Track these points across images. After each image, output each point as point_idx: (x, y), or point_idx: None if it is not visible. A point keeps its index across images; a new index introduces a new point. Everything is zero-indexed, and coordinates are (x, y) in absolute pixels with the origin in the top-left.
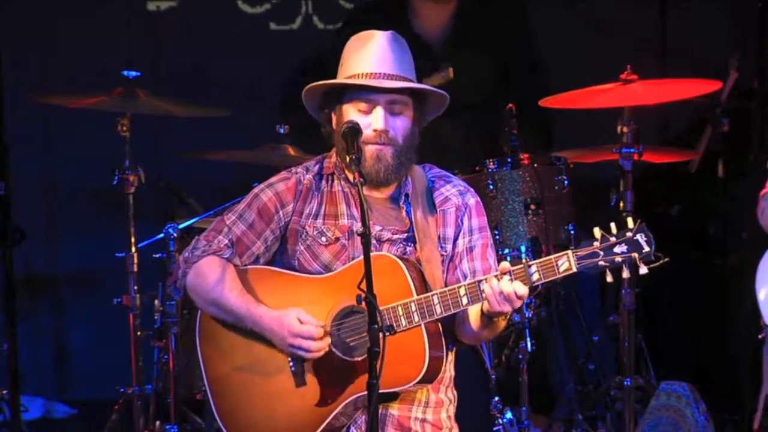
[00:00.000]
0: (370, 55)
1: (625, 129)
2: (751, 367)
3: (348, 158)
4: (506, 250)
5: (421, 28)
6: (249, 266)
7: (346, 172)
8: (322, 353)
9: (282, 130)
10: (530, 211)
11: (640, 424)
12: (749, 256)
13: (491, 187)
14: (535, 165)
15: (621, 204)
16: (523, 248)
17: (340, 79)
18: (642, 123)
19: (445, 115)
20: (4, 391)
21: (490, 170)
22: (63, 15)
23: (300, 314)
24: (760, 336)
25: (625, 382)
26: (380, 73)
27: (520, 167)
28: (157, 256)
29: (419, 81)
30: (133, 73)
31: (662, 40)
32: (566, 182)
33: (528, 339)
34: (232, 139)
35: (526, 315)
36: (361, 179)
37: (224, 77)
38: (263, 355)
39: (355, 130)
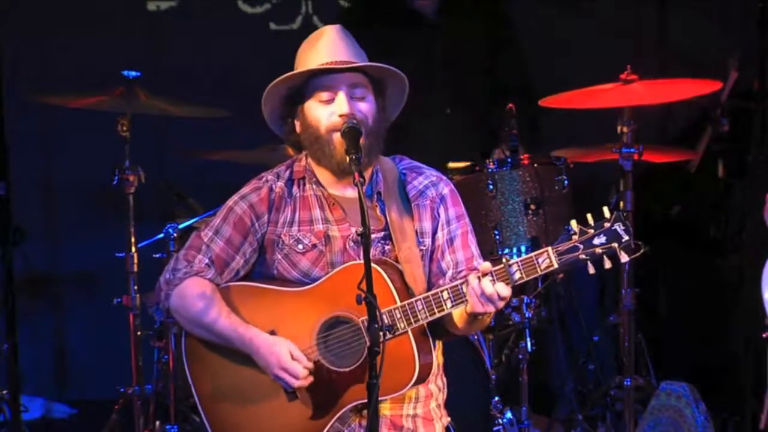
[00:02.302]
0: (322, 48)
1: (625, 129)
2: (752, 366)
3: (348, 158)
4: (506, 250)
5: (414, 2)
6: (230, 283)
7: (317, 175)
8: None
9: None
10: (530, 211)
11: (640, 424)
12: (749, 255)
13: (491, 187)
14: (535, 165)
15: (621, 204)
16: (523, 248)
17: (295, 71)
18: (642, 123)
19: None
20: (4, 391)
21: (490, 170)
22: (63, 15)
23: (292, 349)
24: (765, 335)
25: (625, 382)
26: (336, 61)
27: (520, 167)
28: (157, 256)
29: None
30: (133, 73)
31: (662, 40)
32: (566, 182)
33: (528, 339)
34: (232, 139)
35: (526, 315)
36: (361, 179)
37: (224, 77)
38: (254, 373)
39: (356, 130)
